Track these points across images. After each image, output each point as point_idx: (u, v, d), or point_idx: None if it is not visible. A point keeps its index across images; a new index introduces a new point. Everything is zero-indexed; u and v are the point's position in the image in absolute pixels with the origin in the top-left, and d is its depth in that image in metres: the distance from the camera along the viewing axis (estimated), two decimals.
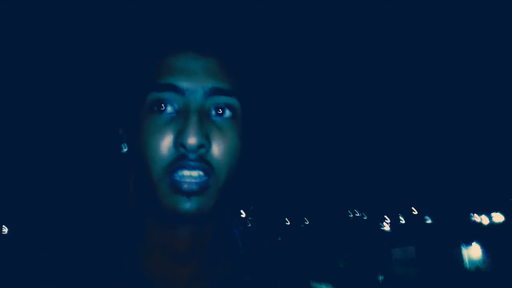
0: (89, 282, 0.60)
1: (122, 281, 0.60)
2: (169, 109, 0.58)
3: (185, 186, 0.55)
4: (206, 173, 0.57)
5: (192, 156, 0.55)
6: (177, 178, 0.56)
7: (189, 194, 0.55)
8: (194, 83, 0.58)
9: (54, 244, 0.62)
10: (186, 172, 0.55)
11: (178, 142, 0.55)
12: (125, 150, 0.66)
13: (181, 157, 0.55)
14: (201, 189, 0.56)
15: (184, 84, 0.57)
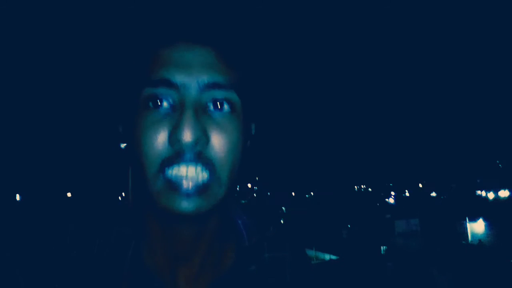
0: (93, 278, 0.59)
1: (126, 277, 0.59)
2: (165, 104, 0.54)
3: (184, 187, 0.51)
4: (206, 169, 0.53)
5: (188, 154, 0.51)
6: (173, 178, 0.52)
7: (187, 194, 0.52)
8: (189, 77, 0.53)
9: (57, 241, 0.60)
10: (182, 169, 0.52)
11: (173, 138, 0.51)
12: (124, 146, 0.62)
13: (176, 154, 0.52)
14: (202, 189, 0.52)
15: (178, 78, 0.53)
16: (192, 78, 0.53)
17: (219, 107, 0.55)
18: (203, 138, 0.52)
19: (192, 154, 0.52)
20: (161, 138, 0.52)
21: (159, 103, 0.54)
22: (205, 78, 0.53)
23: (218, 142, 0.54)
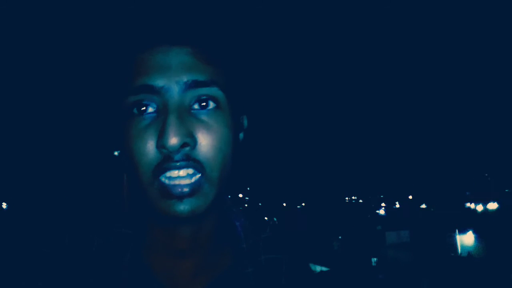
0: (92, 278, 0.59)
1: (125, 277, 0.59)
2: (149, 109, 0.54)
3: (177, 190, 0.52)
4: (196, 170, 0.53)
5: (177, 157, 0.52)
6: (166, 182, 0.53)
7: (181, 197, 0.53)
8: (169, 79, 0.53)
9: (55, 240, 0.61)
10: (173, 173, 0.52)
11: (160, 145, 0.52)
12: (117, 153, 0.64)
13: (165, 159, 0.52)
14: (194, 190, 0.53)
15: (158, 82, 0.53)
16: (172, 80, 0.53)
17: (204, 104, 0.55)
18: (188, 140, 0.52)
19: (180, 157, 0.52)
20: (149, 146, 0.53)
21: (143, 109, 0.54)
22: (184, 78, 0.53)
23: (205, 141, 0.54)
